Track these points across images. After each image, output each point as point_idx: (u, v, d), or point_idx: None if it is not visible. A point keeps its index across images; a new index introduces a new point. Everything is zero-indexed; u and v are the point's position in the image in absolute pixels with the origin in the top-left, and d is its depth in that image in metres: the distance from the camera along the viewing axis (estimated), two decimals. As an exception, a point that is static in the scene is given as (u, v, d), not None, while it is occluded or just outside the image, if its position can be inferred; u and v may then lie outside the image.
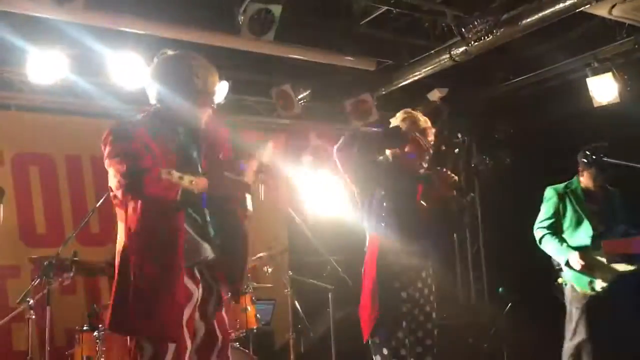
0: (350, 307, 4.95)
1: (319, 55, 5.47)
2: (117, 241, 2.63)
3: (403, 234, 3.27)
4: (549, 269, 4.53)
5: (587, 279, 4.15)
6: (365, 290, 3.35)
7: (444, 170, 3.45)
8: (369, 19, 5.28)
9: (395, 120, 3.48)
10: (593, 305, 4.15)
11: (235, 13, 4.53)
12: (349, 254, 4.69)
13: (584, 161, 4.34)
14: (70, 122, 5.65)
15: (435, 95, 6.35)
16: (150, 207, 2.52)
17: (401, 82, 6.13)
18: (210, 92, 2.71)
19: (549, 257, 4.44)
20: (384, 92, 6.33)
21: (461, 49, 5.26)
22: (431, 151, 3.48)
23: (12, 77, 5.26)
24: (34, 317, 4.14)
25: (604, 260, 4.12)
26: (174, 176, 2.36)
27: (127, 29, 4.67)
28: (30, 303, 4.13)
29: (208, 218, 2.68)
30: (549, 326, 4.81)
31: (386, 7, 5.02)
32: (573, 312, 4.26)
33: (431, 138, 3.47)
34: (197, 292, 2.64)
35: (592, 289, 4.14)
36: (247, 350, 4.54)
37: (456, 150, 4.67)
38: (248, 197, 2.68)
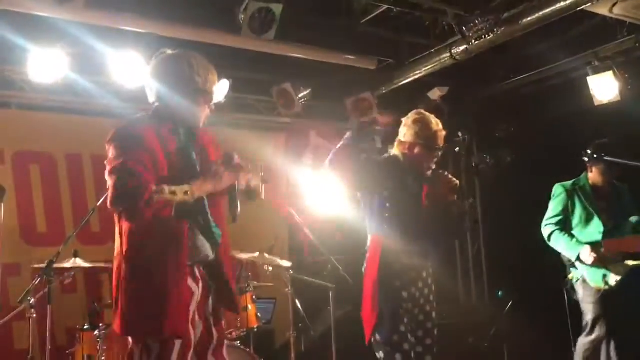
0: (351, 305, 4.97)
1: (320, 54, 5.47)
2: (117, 244, 2.61)
3: (405, 234, 3.27)
4: (550, 268, 4.52)
5: (601, 273, 4.11)
6: (366, 290, 3.35)
7: (445, 173, 3.45)
8: (369, 17, 5.28)
9: (407, 121, 3.45)
10: (607, 301, 4.11)
11: (235, 12, 4.53)
12: (350, 253, 4.69)
13: (593, 157, 4.27)
14: (70, 121, 5.64)
15: (435, 94, 6.33)
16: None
17: (402, 81, 6.13)
18: (210, 92, 2.71)
19: (551, 256, 4.41)
20: (384, 91, 6.33)
21: (462, 48, 5.26)
22: (440, 154, 3.46)
23: (12, 75, 5.26)
24: (35, 316, 4.12)
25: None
26: (165, 194, 2.36)
27: (128, 28, 4.68)
28: (31, 302, 4.11)
29: (211, 218, 2.69)
30: (549, 326, 4.81)
31: (387, 6, 5.02)
32: (586, 308, 4.22)
33: (441, 142, 3.43)
34: (198, 291, 2.64)
35: (606, 283, 4.09)
36: (247, 349, 4.54)
37: (457, 149, 4.65)
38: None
